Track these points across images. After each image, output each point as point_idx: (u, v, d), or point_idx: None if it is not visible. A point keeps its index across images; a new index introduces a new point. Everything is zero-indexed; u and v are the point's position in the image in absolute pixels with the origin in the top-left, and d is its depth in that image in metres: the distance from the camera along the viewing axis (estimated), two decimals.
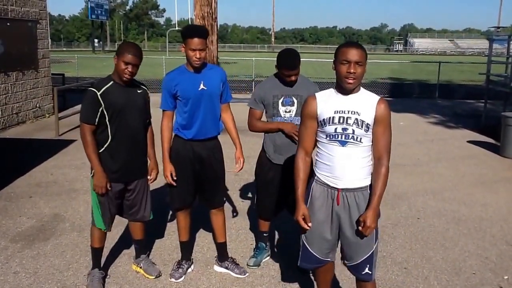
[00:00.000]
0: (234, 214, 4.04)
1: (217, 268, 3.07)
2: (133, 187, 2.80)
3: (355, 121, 2.01)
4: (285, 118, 2.85)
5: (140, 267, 3.01)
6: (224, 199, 3.20)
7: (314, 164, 2.21)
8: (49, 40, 10.34)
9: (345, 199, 2.08)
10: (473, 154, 6.56)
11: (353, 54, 1.96)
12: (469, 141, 7.38)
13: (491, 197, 4.71)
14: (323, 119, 2.06)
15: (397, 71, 23.32)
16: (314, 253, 2.19)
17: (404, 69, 24.31)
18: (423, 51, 59.92)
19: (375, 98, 2.06)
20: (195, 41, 2.60)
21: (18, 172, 5.18)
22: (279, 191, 2.95)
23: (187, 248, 3.08)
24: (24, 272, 3.00)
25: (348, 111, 2.02)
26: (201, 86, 2.71)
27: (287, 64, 2.74)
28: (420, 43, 66.26)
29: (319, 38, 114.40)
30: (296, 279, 2.98)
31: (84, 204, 4.24)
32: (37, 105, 8.75)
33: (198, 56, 2.62)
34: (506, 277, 3.05)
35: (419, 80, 17.82)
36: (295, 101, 2.83)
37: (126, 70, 2.56)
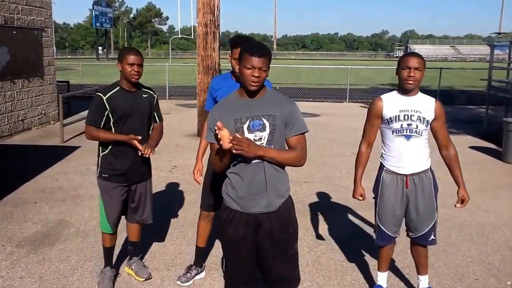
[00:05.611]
0: None
1: (221, 273, 3.09)
2: (135, 189, 2.86)
3: (418, 118, 2.42)
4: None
5: (132, 269, 3.05)
6: None
7: (380, 156, 2.59)
8: (54, 48, 10.46)
9: (412, 182, 2.50)
10: (475, 160, 6.56)
11: (413, 62, 2.36)
12: (471, 147, 7.39)
13: (493, 203, 4.71)
14: (390, 118, 2.45)
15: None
16: (387, 232, 2.60)
17: None
18: (424, 57, 59.84)
19: (432, 99, 2.47)
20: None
21: (24, 178, 5.22)
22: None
23: (200, 254, 3.07)
24: (30, 277, 3.03)
25: (411, 110, 2.42)
26: None
27: (250, 49, 1.89)
28: (421, 49, 66.33)
29: (321, 45, 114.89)
30: None
31: (89, 210, 4.28)
32: (43, 112, 8.84)
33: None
34: (509, 283, 3.05)
35: (420, 86, 17.67)
36: (267, 123, 1.94)
37: (132, 71, 2.64)
